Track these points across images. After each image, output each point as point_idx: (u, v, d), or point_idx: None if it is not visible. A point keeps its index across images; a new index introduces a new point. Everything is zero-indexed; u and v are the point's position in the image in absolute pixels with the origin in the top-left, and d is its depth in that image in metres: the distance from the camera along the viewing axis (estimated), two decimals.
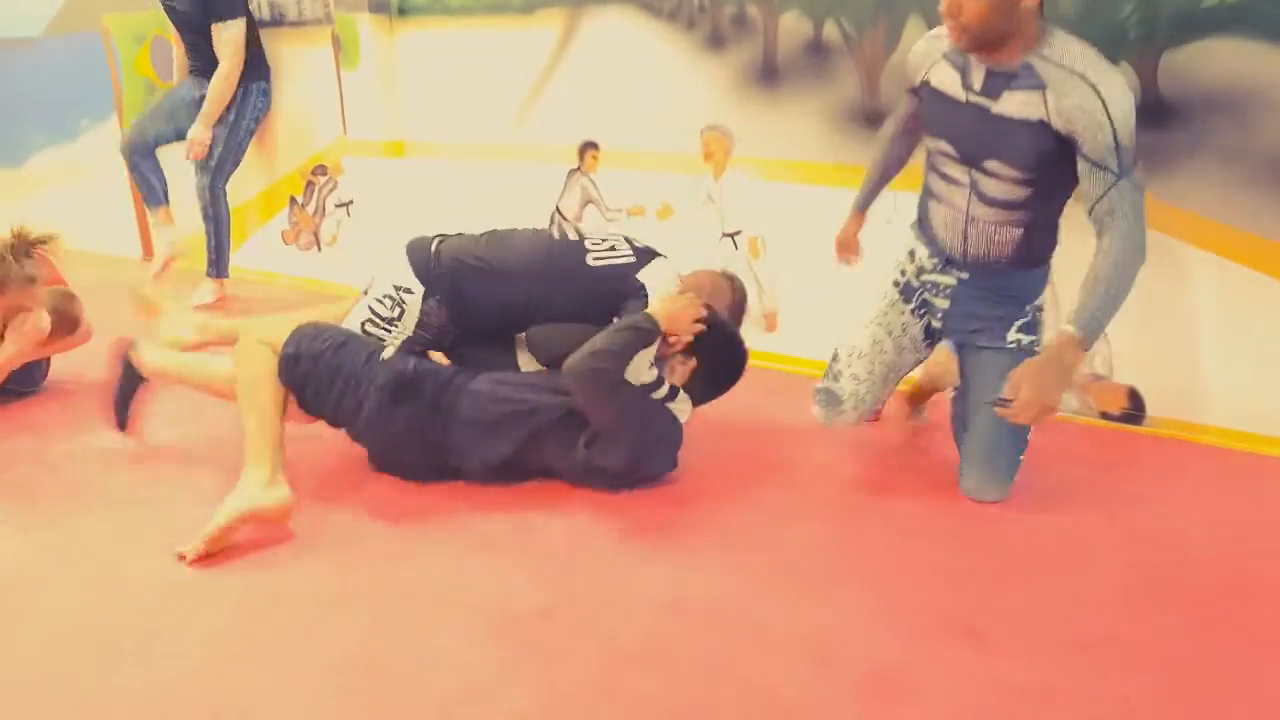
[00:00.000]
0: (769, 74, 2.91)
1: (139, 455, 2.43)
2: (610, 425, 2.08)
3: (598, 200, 3.43)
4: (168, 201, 4.03)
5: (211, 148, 3.78)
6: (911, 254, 2.17)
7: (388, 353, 2.16)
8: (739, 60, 2.96)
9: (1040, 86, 1.81)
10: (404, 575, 1.87)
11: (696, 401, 2.25)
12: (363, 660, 1.60)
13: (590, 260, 2.30)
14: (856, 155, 2.60)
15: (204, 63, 3.77)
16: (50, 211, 5.55)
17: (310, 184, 4.19)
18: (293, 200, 4.27)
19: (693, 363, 2.20)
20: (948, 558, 1.91)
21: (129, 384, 2.37)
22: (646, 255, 2.33)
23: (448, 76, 3.64)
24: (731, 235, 3.13)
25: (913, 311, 2.18)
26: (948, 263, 2.10)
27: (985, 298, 2.08)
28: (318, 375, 2.11)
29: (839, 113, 2.80)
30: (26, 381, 2.81)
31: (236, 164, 3.92)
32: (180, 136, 3.83)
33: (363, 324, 2.29)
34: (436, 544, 1.98)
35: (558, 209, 3.52)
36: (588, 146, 3.41)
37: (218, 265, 3.97)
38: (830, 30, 2.76)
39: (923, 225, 2.15)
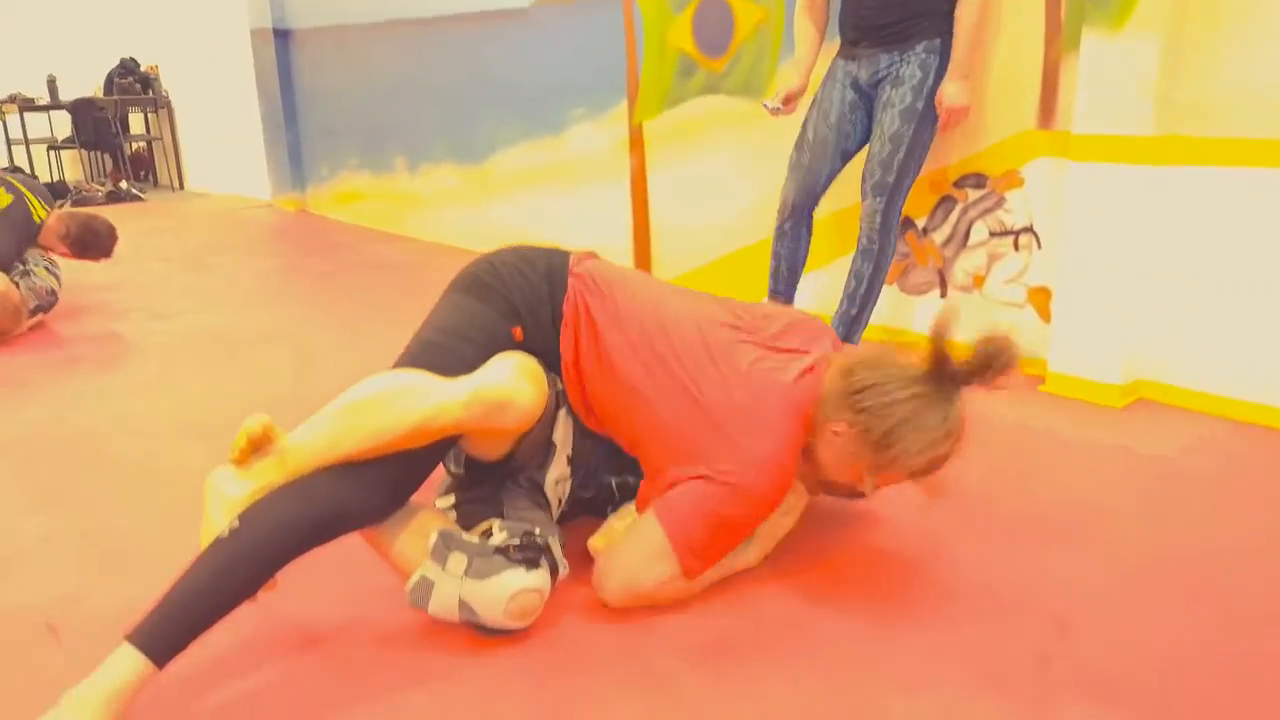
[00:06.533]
0: None
1: None
2: None
3: None
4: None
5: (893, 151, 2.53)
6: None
7: None
8: None
9: None
10: None
11: None
12: None
13: None
14: None
15: (898, 14, 2.47)
16: (509, 223, 4.74)
17: (949, 200, 2.88)
18: (908, 222, 2.98)
19: None
20: None
21: None
22: None
23: None
24: None
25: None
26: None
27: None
28: None
29: None
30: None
31: (917, 173, 2.63)
32: (849, 154, 2.68)
33: None
34: None
35: None
36: None
37: (851, 327, 2.65)
38: None
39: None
